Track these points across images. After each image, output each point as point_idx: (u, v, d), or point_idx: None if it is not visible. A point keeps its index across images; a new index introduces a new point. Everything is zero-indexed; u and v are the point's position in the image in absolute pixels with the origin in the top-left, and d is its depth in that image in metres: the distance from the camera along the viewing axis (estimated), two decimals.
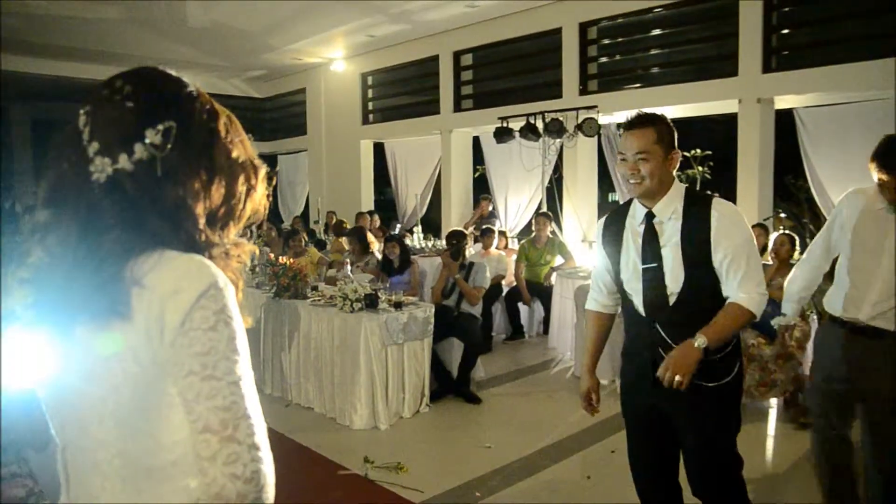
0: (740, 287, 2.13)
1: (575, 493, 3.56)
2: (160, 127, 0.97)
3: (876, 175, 2.52)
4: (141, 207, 0.96)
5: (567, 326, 6.19)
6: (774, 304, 4.49)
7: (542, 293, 6.98)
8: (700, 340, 2.10)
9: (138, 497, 0.99)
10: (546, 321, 6.99)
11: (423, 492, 3.56)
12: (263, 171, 1.09)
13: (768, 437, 4.26)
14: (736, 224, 2.15)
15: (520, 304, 7.10)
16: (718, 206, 2.16)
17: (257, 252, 1.14)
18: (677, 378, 2.06)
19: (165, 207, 0.97)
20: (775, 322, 3.08)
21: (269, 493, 0.94)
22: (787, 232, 5.10)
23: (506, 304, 7.12)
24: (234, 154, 1.04)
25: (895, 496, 2.43)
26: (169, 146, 0.97)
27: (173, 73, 1.05)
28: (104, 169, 0.95)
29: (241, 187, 1.06)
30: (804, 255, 2.91)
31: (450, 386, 5.14)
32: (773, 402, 4.56)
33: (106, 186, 0.95)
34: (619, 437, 4.30)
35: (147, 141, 0.96)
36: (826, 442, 2.81)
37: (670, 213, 2.20)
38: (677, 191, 2.22)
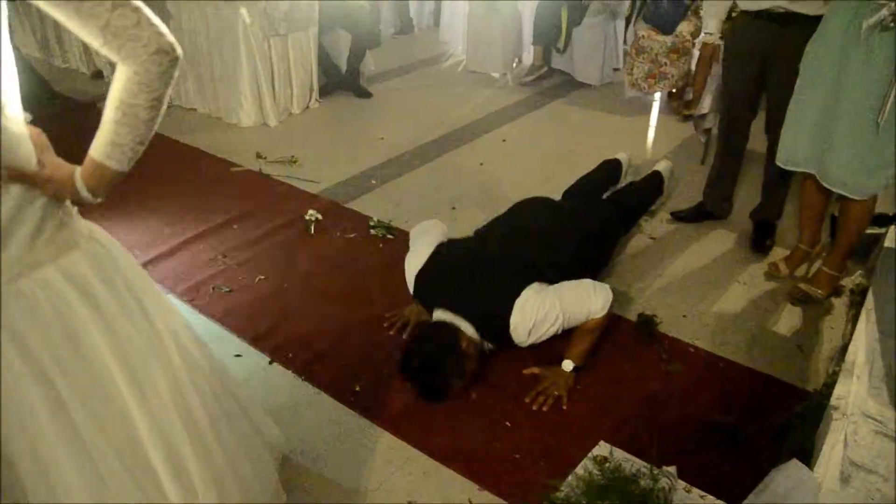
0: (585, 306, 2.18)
1: (469, 177, 3.72)
2: None
3: None
4: None
5: (459, 18, 5.94)
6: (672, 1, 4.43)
7: None
8: (568, 364, 2.20)
9: None
10: (437, 14, 6.67)
11: (318, 182, 3.61)
12: None
13: (650, 128, 4.49)
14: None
15: None
16: None
17: None
18: (551, 399, 2.14)
19: None
20: (701, 39, 2.97)
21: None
22: None
23: None
24: None
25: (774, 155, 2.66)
26: None
27: None
28: None
29: None
30: None
31: (339, 80, 4.96)
32: (658, 95, 4.74)
33: None
34: (511, 127, 4.45)
35: None
36: (729, 125, 3.00)
37: None
38: None
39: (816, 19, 2.46)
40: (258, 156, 3.87)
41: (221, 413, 1.32)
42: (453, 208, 3.36)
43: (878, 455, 1.65)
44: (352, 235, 3.11)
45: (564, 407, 2.11)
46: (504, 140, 4.23)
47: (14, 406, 1.01)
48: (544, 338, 2.19)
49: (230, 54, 4.27)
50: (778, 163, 2.56)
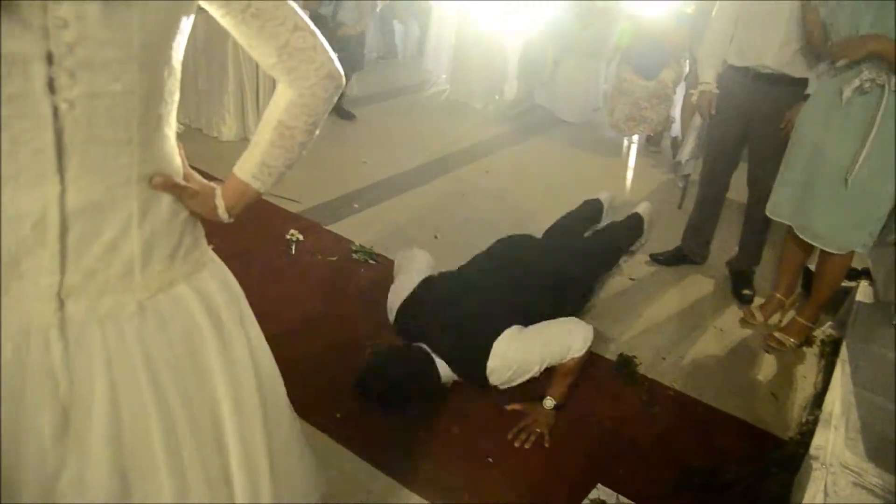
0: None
1: (451, 207, 3.73)
2: None
3: None
4: None
5: (444, 48, 6.01)
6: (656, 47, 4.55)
7: (420, 12, 6.62)
8: (549, 402, 2.20)
9: (148, 152, 0.96)
10: (422, 42, 6.74)
11: (300, 202, 3.58)
12: None
13: (629, 169, 4.60)
14: None
15: (395, 22, 6.74)
16: None
17: None
18: (533, 436, 2.13)
19: None
20: (697, 91, 2.96)
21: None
22: None
23: (380, 20, 6.72)
24: None
25: (759, 210, 2.74)
26: None
27: None
28: None
29: None
30: (713, 16, 2.88)
31: None
32: (636, 137, 4.85)
33: None
34: (493, 159, 4.50)
35: None
36: (711, 175, 3.07)
37: None
38: None
39: (801, 81, 2.56)
40: None
41: (297, 452, 1.29)
42: (435, 237, 3.37)
43: None
44: (333, 258, 3.09)
45: (546, 445, 2.11)
46: (486, 172, 4.27)
47: (135, 433, 0.98)
48: (522, 381, 2.21)
49: (217, 66, 4.24)
50: (766, 211, 2.64)
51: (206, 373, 1.05)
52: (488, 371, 2.15)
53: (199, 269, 1.07)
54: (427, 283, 2.40)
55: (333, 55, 1.02)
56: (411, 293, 2.35)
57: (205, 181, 1.08)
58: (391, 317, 2.39)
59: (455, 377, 2.23)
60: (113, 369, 0.96)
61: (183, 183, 1.02)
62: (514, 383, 2.20)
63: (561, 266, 2.61)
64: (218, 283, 1.09)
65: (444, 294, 2.36)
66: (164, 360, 1.00)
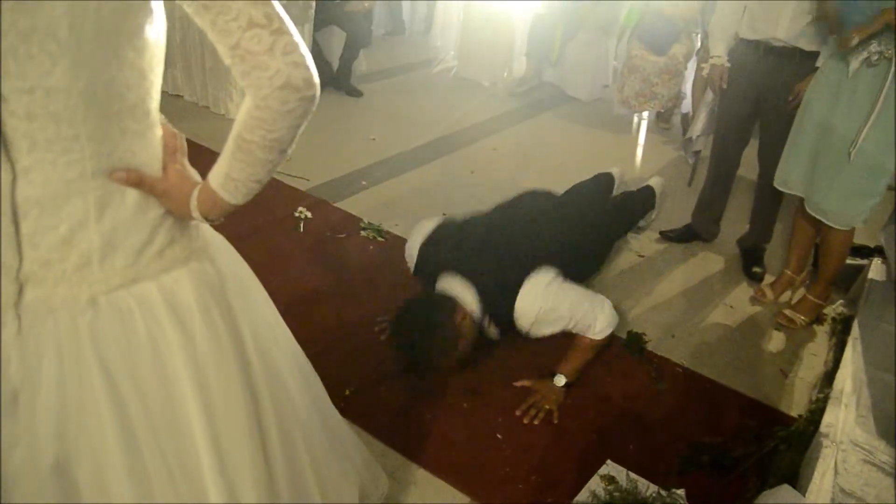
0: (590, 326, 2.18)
1: (460, 184, 3.71)
2: None
3: None
4: None
5: (452, 25, 5.95)
6: (667, 22, 4.48)
7: None
8: (560, 379, 2.19)
9: (104, 147, 0.90)
10: (430, 18, 6.67)
11: (308, 180, 3.57)
12: None
13: (638, 146, 4.56)
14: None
15: None
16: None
17: None
18: (542, 413, 2.13)
19: None
20: (709, 63, 2.90)
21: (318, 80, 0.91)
22: None
23: None
24: None
25: (770, 186, 2.71)
26: None
27: None
28: None
29: None
30: None
31: (329, 77, 4.93)
32: (646, 113, 4.80)
33: None
34: (501, 137, 4.47)
35: None
36: (722, 150, 3.03)
37: None
38: None
39: (813, 55, 2.52)
40: None
41: (307, 458, 1.25)
42: (444, 215, 3.33)
43: (867, 483, 1.68)
44: (342, 235, 3.09)
45: (555, 421, 2.11)
46: (495, 149, 4.24)
47: (83, 419, 0.95)
48: (544, 334, 2.20)
49: None
50: (775, 183, 2.62)
51: (170, 372, 1.00)
52: (517, 305, 2.11)
53: (174, 267, 1.01)
54: (450, 220, 2.40)
55: (303, 60, 0.86)
56: (436, 227, 2.34)
57: (187, 179, 1.01)
58: (411, 260, 2.36)
59: (484, 319, 2.16)
60: (63, 359, 0.94)
61: (149, 179, 0.96)
62: (536, 331, 2.17)
63: (583, 222, 2.61)
64: (195, 283, 1.03)
65: (471, 229, 2.35)
66: (120, 355, 0.96)
